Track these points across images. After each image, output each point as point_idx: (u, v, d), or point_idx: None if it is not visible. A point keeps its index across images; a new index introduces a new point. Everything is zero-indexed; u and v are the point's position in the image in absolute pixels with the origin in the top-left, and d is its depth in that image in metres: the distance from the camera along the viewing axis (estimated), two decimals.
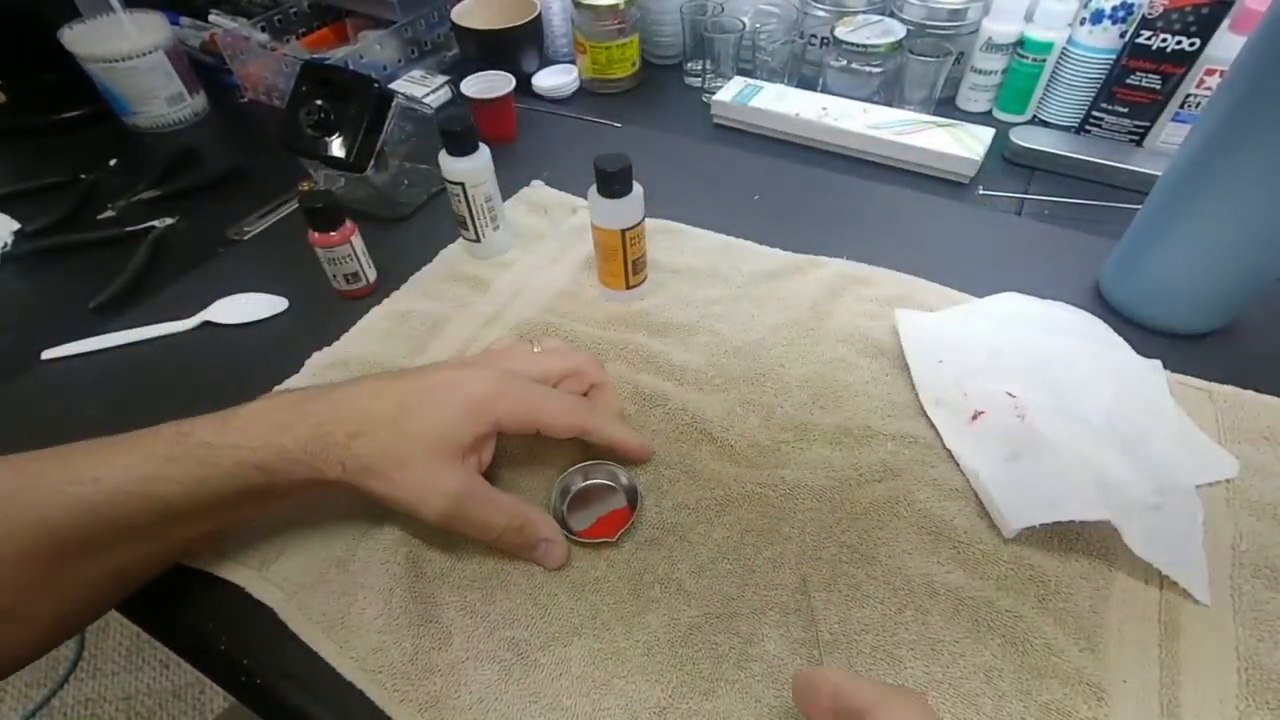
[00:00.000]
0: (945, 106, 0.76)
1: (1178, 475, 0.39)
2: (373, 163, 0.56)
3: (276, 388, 0.47)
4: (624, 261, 0.49)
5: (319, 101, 0.55)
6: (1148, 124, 0.66)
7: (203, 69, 0.82)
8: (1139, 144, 0.67)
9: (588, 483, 0.40)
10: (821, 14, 0.75)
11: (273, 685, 0.34)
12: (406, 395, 0.35)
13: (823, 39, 0.76)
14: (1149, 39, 0.61)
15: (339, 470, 0.33)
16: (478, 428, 0.35)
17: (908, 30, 0.69)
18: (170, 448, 0.31)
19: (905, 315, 0.49)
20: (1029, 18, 0.68)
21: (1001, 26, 0.68)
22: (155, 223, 0.63)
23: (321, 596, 0.36)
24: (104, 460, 0.31)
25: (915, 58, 0.68)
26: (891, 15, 0.72)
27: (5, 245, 0.62)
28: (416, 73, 0.80)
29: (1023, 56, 0.69)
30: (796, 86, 0.74)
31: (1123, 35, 0.64)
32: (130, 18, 0.75)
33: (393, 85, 0.75)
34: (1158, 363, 0.45)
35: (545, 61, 0.82)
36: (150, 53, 0.73)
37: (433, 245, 0.58)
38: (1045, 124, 0.72)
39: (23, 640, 0.31)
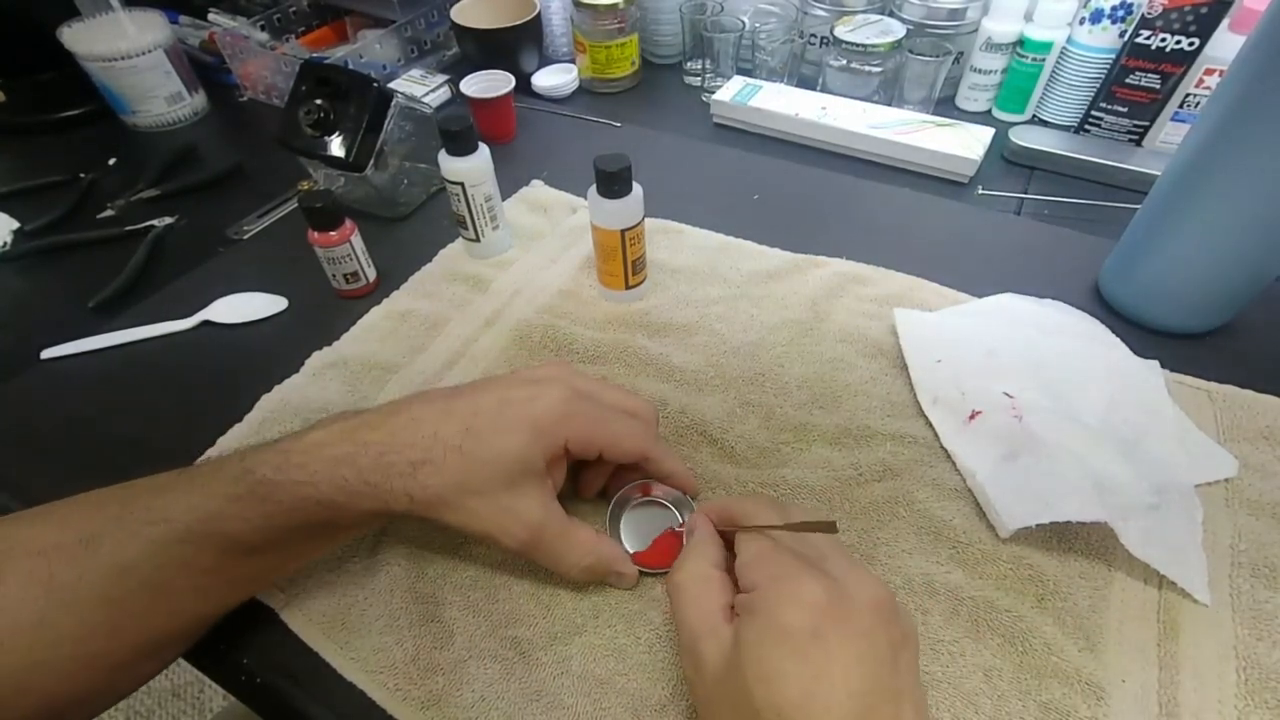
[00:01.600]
0: (945, 106, 0.76)
1: (1176, 475, 0.39)
2: (372, 162, 0.56)
3: (277, 387, 0.47)
4: (624, 261, 0.49)
5: (319, 101, 0.55)
6: (1147, 123, 0.66)
7: (202, 68, 0.82)
8: (1138, 144, 0.67)
9: (645, 499, 0.39)
10: (821, 13, 0.75)
11: (272, 684, 0.34)
12: (471, 416, 0.33)
13: (822, 38, 0.76)
14: (1148, 38, 0.61)
15: (406, 501, 0.32)
16: (549, 450, 0.33)
17: (907, 30, 0.69)
18: (235, 485, 0.31)
19: (904, 315, 0.49)
20: (1028, 17, 0.69)
21: (1001, 26, 0.68)
22: (154, 222, 0.63)
23: (321, 597, 0.36)
24: (173, 500, 0.31)
25: (915, 57, 0.68)
26: (891, 15, 0.72)
27: (5, 244, 0.62)
28: (416, 72, 0.80)
29: (1022, 56, 0.69)
30: (796, 86, 0.74)
31: (1122, 35, 0.64)
32: (129, 16, 0.74)
33: (392, 84, 0.75)
34: (1155, 363, 0.45)
35: (545, 61, 0.82)
36: (149, 51, 0.73)
37: (432, 245, 0.58)
38: (1045, 123, 0.72)
39: (95, 686, 0.30)
